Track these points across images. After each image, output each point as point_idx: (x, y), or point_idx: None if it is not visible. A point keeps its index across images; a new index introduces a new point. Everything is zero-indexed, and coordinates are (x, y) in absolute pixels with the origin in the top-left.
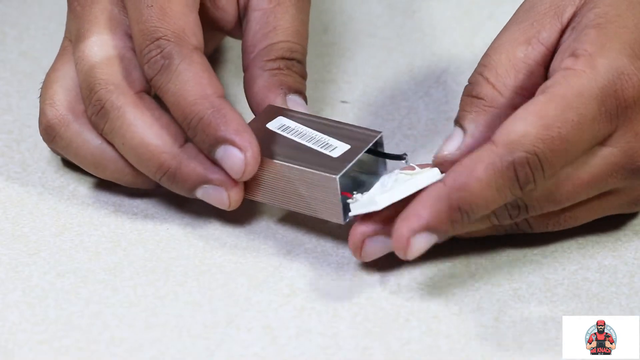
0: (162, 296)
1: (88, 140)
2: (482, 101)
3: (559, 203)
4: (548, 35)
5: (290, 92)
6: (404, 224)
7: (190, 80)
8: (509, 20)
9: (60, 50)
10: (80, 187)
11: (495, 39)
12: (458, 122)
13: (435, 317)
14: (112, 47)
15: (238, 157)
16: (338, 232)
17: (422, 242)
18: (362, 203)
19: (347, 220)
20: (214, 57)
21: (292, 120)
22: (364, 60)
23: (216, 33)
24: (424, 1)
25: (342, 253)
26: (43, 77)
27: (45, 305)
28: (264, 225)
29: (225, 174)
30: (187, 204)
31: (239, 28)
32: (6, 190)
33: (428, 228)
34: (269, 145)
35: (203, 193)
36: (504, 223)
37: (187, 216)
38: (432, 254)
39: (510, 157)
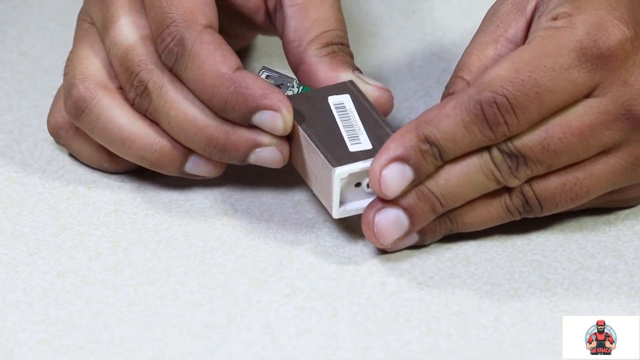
0: (162, 296)
1: (117, 114)
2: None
3: (555, 153)
4: (514, 31)
5: (355, 70)
6: (375, 161)
7: (204, 62)
8: (476, 31)
9: (80, 32)
10: (81, 187)
11: (466, 48)
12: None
13: (435, 317)
14: (142, 27)
15: (274, 116)
16: (338, 232)
17: (393, 173)
18: (358, 204)
19: (339, 216)
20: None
21: (354, 103)
22: (364, 60)
23: (245, 32)
24: (424, 1)
25: (342, 253)
26: (43, 77)
27: (45, 304)
28: (264, 225)
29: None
30: (187, 204)
31: (268, 23)
32: (6, 190)
33: (397, 158)
34: (311, 114)
35: (256, 158)
36: (508, 179)
37: (188, 216)
38: (432, 254)
39: (477, 96)
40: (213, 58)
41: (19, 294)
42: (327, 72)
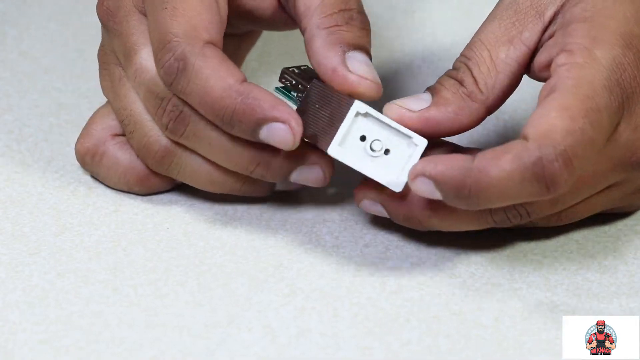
0: (162, 296)
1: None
2: (463, 88)
3: (563, 205)
4: (530, 35)
5: (351, 49)
6: (421, 162)
7: (210, 76)
8: (491, 14)
9: (106, 77)
10: (81, 187)
11: (478, 32)
12: (431, 91)
13: (435, 317)
14: None
15: (283, 129)
16: (338, 232)
17: (423, 187)
18: (354, 158)
19: (333, 154)
20: None
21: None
22: None
23: (254, 29)
24: (424, 1)
25: (342, 253)
26: (43, 77)
27: (45, 305)
28: (265, 225)
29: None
30: (187, 204)
31: (279, 14)
32: (6, 190)
33: (434, 180)
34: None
35: (299, 176)
36: (501, 225)
37: (188, 215)
38: (432, 254)
39: (538, 152)
40: (218, 71)
41: (19, 294)
42: (318, 48)
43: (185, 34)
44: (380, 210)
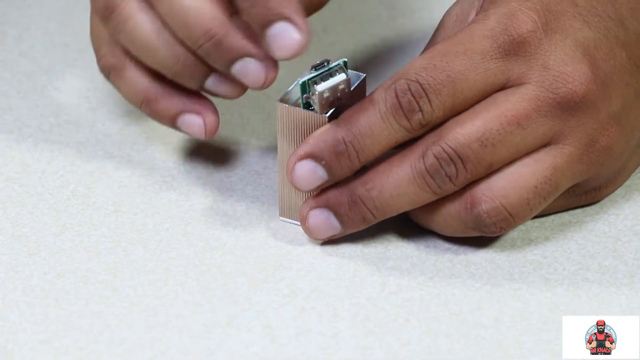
0: (162, 296)
1: (145, 20)
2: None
3: (494, 147)
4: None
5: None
6: (293, 153)
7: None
8: (426, 45)
9: None
10: (80, 187)
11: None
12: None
13: (435, 317)
14: None
15: (295, 34)
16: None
17: (305, 170)
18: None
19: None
20: None
21: None
22: (364, 60)
23: None
24: (424, 1)
25: (342, 253)
26: (43, 77)
27: (45, 305)
28: (264, 225)
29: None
30: (186, 204)
31: None
32: (6, 190)
33: (311, 155)
34: None
35: (240, 68)
36: (445, 187)
37: (187, 216)
38: (432, 254)
39: (393, 85)
40: None
41: (18, 294)
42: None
43: None
44: (326, 217)
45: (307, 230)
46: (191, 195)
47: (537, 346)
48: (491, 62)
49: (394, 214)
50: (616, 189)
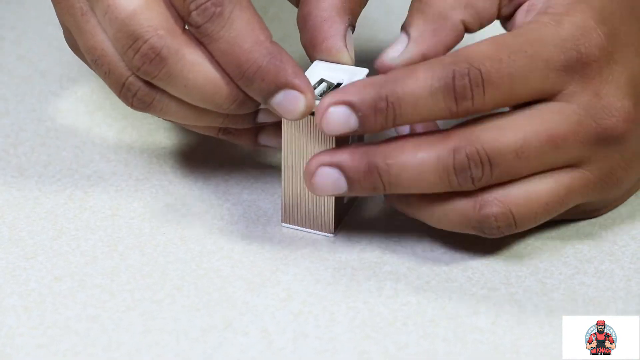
0: (159, 300)
1: (199, 62)
2: (430, 8)
3: (528, 160)
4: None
5: (351, 24)
6: (328, 96)
7: (244, 27)
8: None
9: (64, 11)
10: (77, 191)
11: None
12: (404, 28)
13: (432, 322)
14: None
15: (299, 98)
16: (335, 237)
17: (339, 115)
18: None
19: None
20: None
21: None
22: (362, 64)
23: None
24: None
25: (338, 257)
26: (40, 80)
27: (42, 309)
28: (261, 230)
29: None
30: (183, 208)
31: None
32: (3, 194)
33: (349, 104)
34: None
35: (272, 106)
36: (464, 185)
37: (184, 220)
38: (428, 258)
39: (453, 66)
40: (252, 24)
41: (15, 299)
42: (330, 6)
43: None
44: (337, 178)
45: (311, 185)
46: (188, 199)
47: (534, 350)
48: (552, 71)
49: (404, 192)
50: (614, 209)
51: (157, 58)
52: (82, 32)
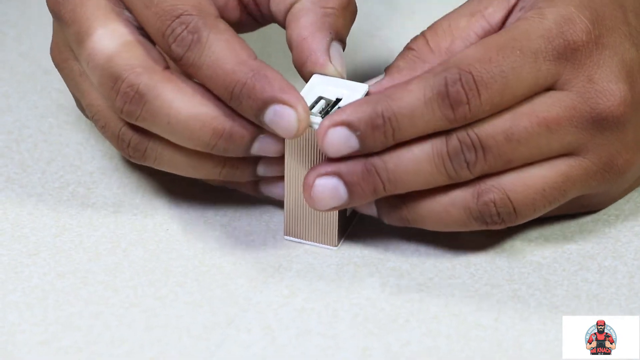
0: (162, 297)
1: (178, 99)
2: (413, 52)
3: (519, 143)
4: (493, 11)
5: (335, 38)
6: (327, 118)
7: (223, 49)
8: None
9: (69, 76)
10: (80, 188)
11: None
12: (385, 70)
13: (435, 318)
14: (124, 34)
15: (290, 114)
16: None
17: (339, 137)
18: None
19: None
20: None
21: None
22: (364, 60)
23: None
24: (424, 1)
25: (341, 254)
26: (42, 77)
27: (45, 305)
28: (264, 226)
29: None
30: (186, 205)
31: (244, 17)
32: (6, 191)
33: (347, 123)
34: None
35: (260, 146)
36: (460, 172)
37: (187, 217)
38: (431, 255)
39: (444, 73)
40: (232, 45)
41: (18, 295)
42: (309, 23)
43: (195, 9)
44: (335, 186)
45: (310, 199)
46: (191, 196)
47: (537, 347)
48: (543, 63)
49: (405, 190)
50: (615, 202)
51: (136, 96)
52: (82, 92)
